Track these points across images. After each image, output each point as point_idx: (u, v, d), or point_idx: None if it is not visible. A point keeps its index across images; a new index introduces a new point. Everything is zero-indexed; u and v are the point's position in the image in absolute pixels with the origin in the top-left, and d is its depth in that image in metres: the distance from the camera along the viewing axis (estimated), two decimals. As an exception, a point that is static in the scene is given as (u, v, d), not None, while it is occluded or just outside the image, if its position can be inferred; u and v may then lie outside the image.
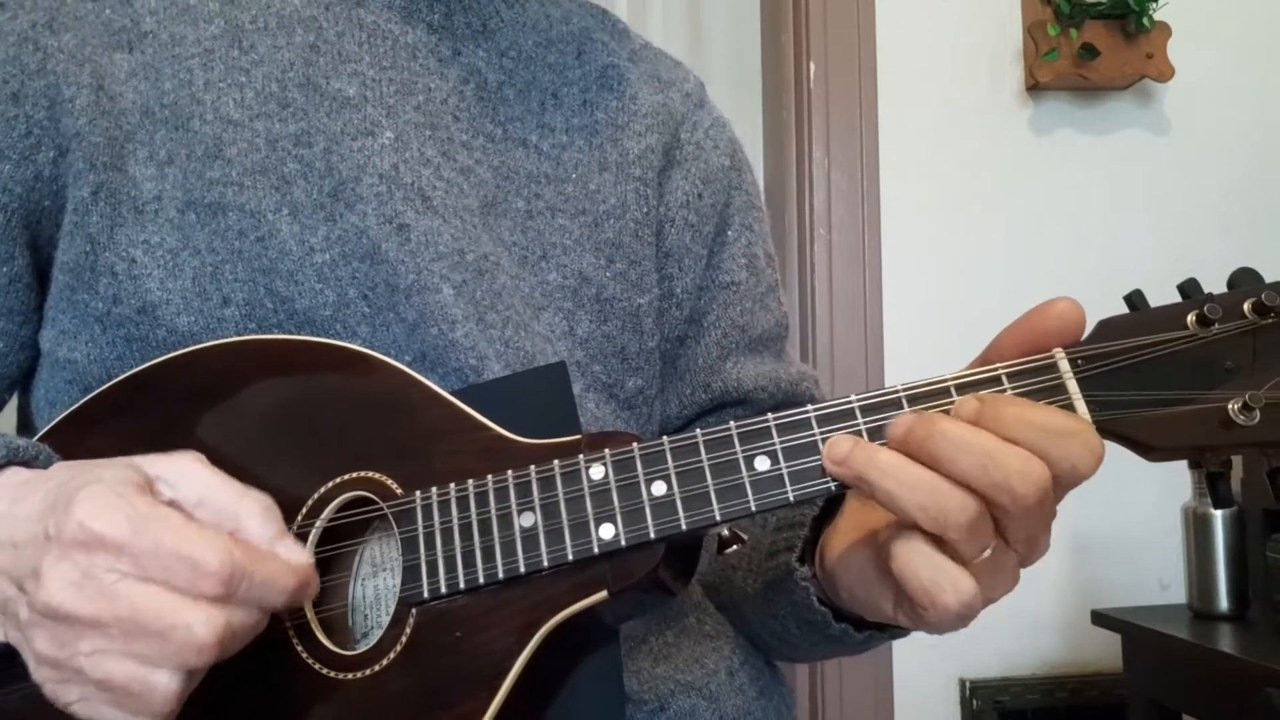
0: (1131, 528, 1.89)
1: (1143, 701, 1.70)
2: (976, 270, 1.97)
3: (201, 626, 0.48)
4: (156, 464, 0.53)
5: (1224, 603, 1.66)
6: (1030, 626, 1.91)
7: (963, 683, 1.90)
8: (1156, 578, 1.95)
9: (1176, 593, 1.88)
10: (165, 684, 0.49)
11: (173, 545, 0.48)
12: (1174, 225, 2.00)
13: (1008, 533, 0.52)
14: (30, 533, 0.50)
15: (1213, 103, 2.03)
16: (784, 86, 2.05)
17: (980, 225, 1.98)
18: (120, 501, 0.49)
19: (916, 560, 0.52)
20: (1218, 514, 1.67)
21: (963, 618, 0.53)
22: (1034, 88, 1.98)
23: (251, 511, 0.53)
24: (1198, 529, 1.69)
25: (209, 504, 0.52)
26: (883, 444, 0.53)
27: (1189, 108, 2.03)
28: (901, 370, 1.93)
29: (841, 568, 0.63)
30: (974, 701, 1.88)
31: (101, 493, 0.49)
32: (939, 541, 0.51)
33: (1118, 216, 2.00)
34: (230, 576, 0.49)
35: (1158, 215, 2.01)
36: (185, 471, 0.53)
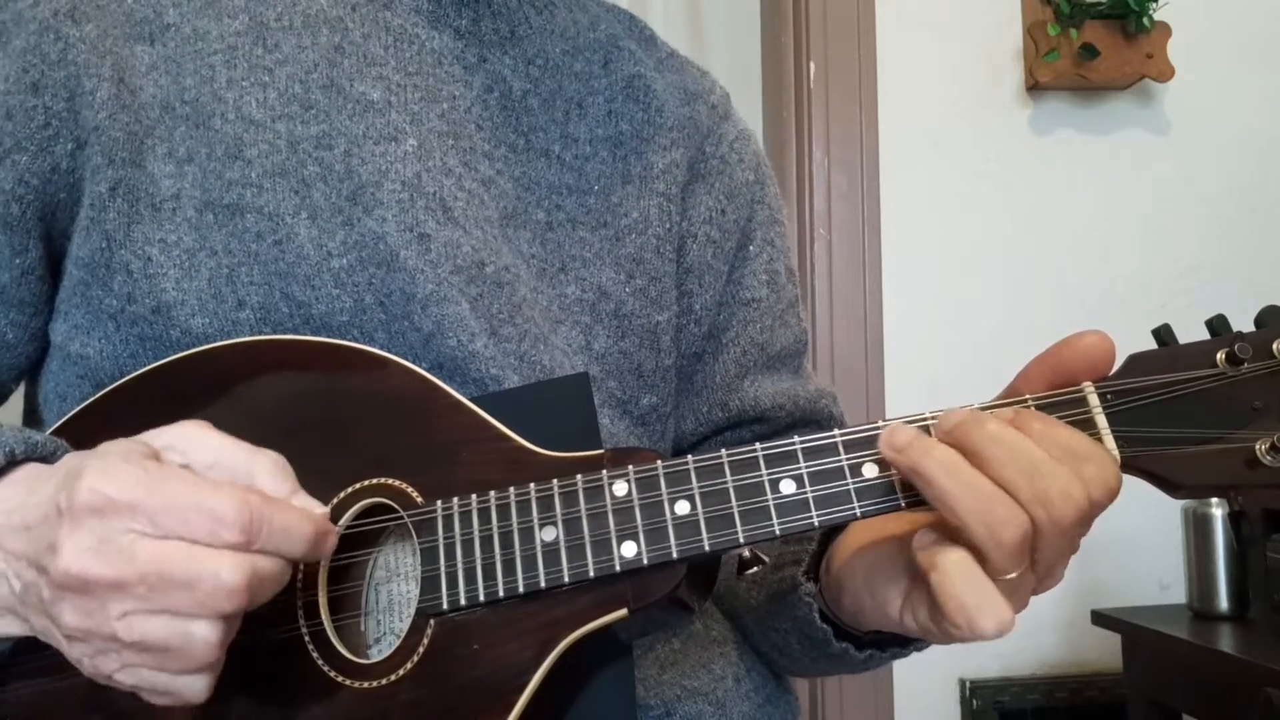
0: (1131, 528, 1.89)
1: (1143, 701, 1.71)
2: (976, 270, 1.97)
3: (229, 571, 0.48)
4: (162, 435, 0.53)
5: (1224, 603, 1.67)
6: (1030, 626, 1.91)
7: (963, 683, 1.90)
8: (1156, 578, 1.95)
9: (1176, 593, 1.88)
10: (204, 634, 0.48)
11: (188, 499, 0.48)
12: (1174, 225, 2.00)
13: (1036, 552, 0.52)
14: (41, 513, 0.50)
15: (1213, 103, 2.03)
16: (784, 86, 2.05)
17: (980, 225, 1.98)
18: (129, 466, 0.49)
19: (960, 577, 0.51)
20: (1218, 514, 1.67)
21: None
22: (1034, 88, 1.98)
23: (264, 467, 0.53)
24: (1198, 529, 1.69)
25: (221, 465, 0.52)
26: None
27: (1189, 108, 2.03)
28: (901, 370, 1.93)
29: (848, 573, 0.63)
30: (974, 701, 1.88)
31: (109, 460, 0.50)
32: (979, 555, 0.51)
33: (1117, 216, 2.00)
34: (250, 523, 0.49)
35: (1157, 215, 2.01)
36: (194, 437, 0.53)
